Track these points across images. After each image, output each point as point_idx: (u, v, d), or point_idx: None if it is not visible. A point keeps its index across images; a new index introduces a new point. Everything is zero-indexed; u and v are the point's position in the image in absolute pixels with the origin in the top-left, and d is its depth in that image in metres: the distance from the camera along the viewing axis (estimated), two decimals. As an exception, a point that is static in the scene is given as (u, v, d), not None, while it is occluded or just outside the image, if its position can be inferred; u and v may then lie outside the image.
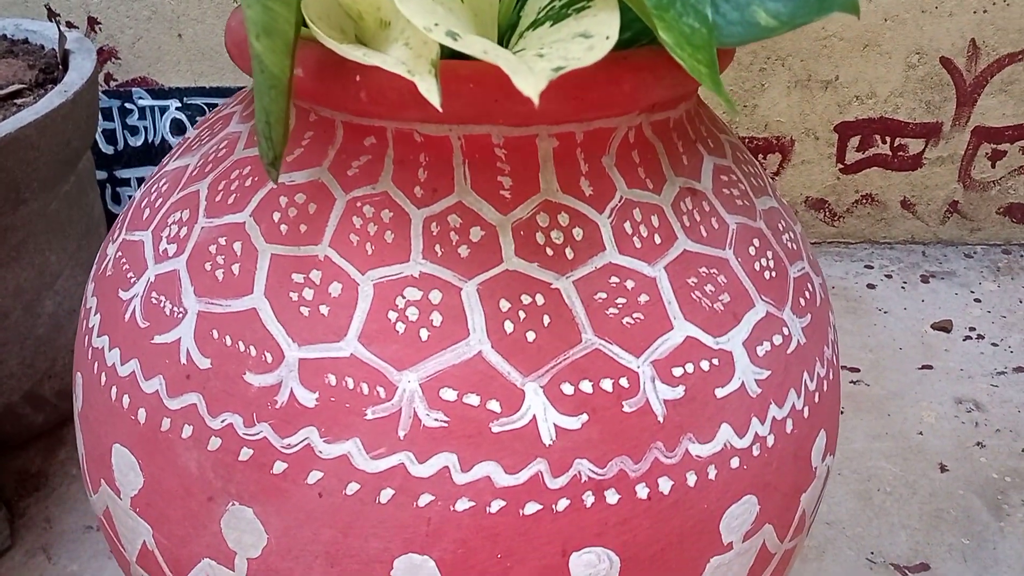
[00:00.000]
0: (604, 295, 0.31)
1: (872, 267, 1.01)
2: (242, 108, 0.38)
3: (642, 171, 0.33)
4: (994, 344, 0.90)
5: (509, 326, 0.30)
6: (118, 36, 0.93)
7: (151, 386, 0.33)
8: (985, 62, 0.91)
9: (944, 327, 0.92)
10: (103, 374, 0.35)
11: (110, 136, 0.96)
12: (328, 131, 0.33)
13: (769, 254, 0.36)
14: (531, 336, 0.31)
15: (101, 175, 0.95)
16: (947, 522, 0.71)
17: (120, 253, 0.37)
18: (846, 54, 0.91)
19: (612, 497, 0.31)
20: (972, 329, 0.92)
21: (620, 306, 0.31)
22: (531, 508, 0.30)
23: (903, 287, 0.98)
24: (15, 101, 0.69)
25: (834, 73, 0.92)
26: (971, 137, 0.96)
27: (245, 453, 0.31)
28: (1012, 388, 0.84)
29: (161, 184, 0.38)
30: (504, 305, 0.31)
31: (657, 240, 0.33)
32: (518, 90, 0.23)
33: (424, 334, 0.30)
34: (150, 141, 0.95)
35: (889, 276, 1.00)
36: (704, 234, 0.34)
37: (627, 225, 0.32)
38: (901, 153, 0.97)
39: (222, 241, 0.33)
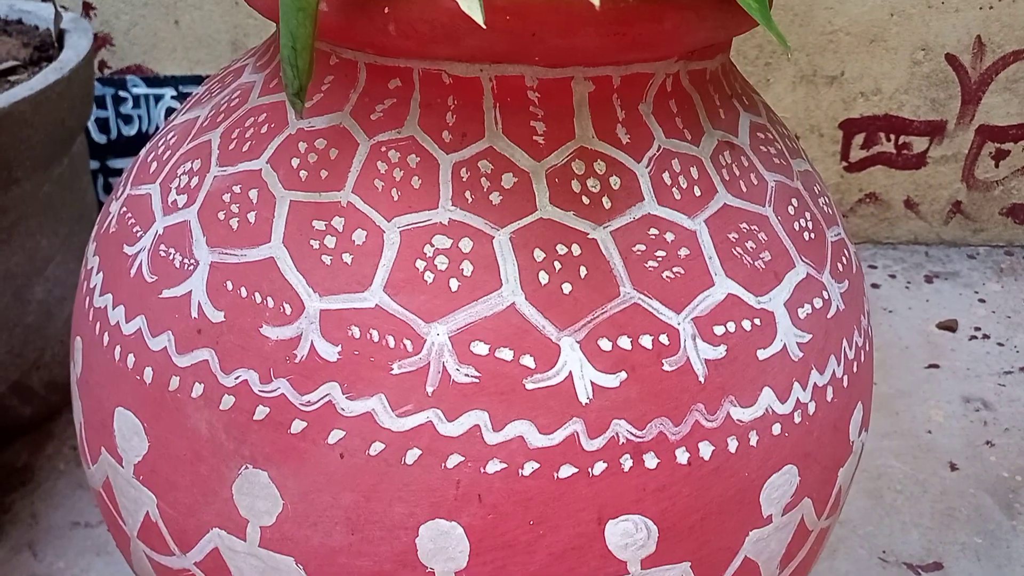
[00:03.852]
0: (643, 247, 0.30)
1: (876, 267, 1.00)
2: (255, 59, 0.36)
3: (680, 121, 0.32)
4: (1000, 344, 0.89)
5: (544, 277, 0.29)
6: (113, 22, 0.91)
7: (159, 343, 0.31)
8: (990, 59, 0.91)
9: (950, 327, 0.91)
10: (106, 334, 0.33)
11: (103, 125, 0.94)
12: (350, 74, 0.31)
13: (807, 215, 0.35)
14: (567, 288, 0.29)
15: (94, 165, 0.93)
16: (959, 521, 0.70)
17: (125, 208, 0.35)
18: (852, 49, 0.90)
19: (651, 461, 0.29)
20: (978, 329, 0.91)
21: (660, 259, 0.30)
22: (566, 471, 0.28)
23: (907, 287, 0.97)
24: (9, 78, 0.67)
25: (840, 68, 0.91)
26: (975, 136, 0.95)
27: (261, 412, 0.29)
28: (1020, 387, 0.83)
29: (169, 137, 0.36)
30: (539, 255, 0.29)
31: (697, 192, 0.31)
32: (556, 24, 0.22)
33: (454, 284, 0.28)
34: (144, 131, 0.92)
35: (893, 276, 0.99)
36: (744, 189, 0.32)
37: (666, 176, 0.31)
38: (905, 151, 0.96)
39: (236, 189, 0.31)
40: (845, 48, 0.91)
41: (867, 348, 0.37)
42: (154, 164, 0.35)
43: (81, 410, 0.35)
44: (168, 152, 0.35)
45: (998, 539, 0.68)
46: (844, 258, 0.37)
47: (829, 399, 0.33)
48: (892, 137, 0.96)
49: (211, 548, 0.31)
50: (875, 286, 0.97)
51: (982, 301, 0.95)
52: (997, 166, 0.97)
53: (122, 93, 0.92)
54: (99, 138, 0.94)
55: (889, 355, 0.87)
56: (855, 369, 0.35)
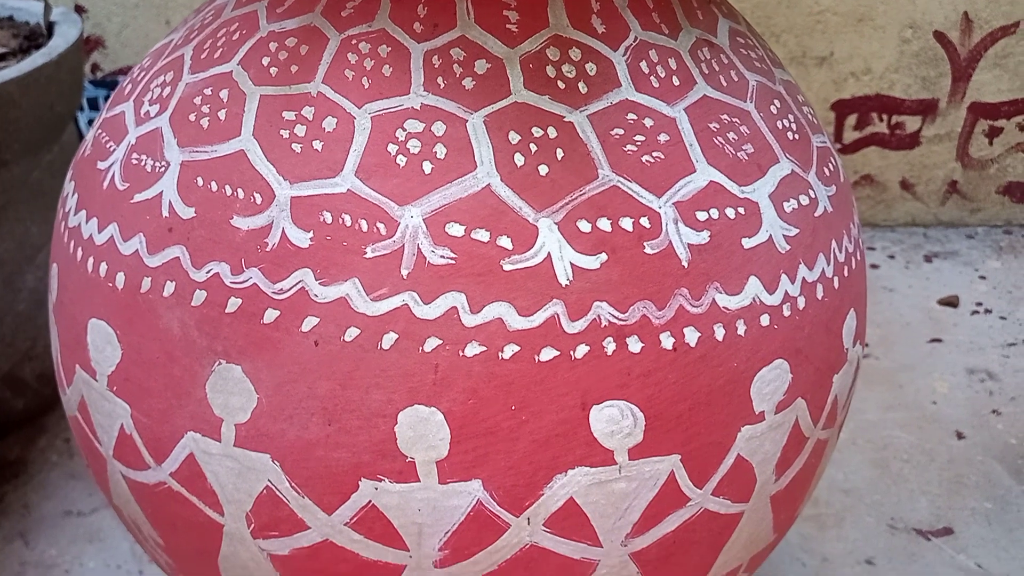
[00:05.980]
0: (621, 131, 0.29)
1: (874, 248, 0.99)
2: (230, -17, 0.36)
3: (656, 16, 0.31)
4: (1002, 317, 0.88)
5: (520, 159, 0.28)
6: (105, 24, 0.91)
7: (130, 247, 0.30)
8: (979, 35, 0.91)
9: (951, 302, 0.90)
10: (79, 249, 0.32)
11: (96, 126, 0.94)
12: (322, -26, 0.31)
13: (791, 117, 0.34)
14: (544, 170, 0.28)
15: (86, 165, 0.93)
16: (968, 487, 0.68)
17: (100, 131, 0.35)
18: (840, 29, 0.91)
19: (635, 345, 0.28)
20: (979, 304, 0.90)
21: (639, 143, 0.29)
22: (547, 354, 0.27)
23: (907, 267, 0.96)
24: (-3, 65, 0.67)
25: (829, 49, 0.92)
26: (967, 113, 0.95)
27: (233, 304, 0.28)
28: (1024, 358, 0.82)
29: (144, 63, 0.36)
30: (514, 137, 0.28)
31: (675, 82, 0.31)
32: None
33: (427, 167, 0.28)
34: (137, 131, 0.93)
35: (892, 257, 0.98)
36: (724, 83, 0.32)
37: (643, 64, 0.30)
38: (899, 131, 0.96)
39: (207, 91, 0.31)
40: (833, 28, 0.91)
41: (858, 256, 0.36)
42: (128, 87, 0.35)
43: (57, 335, 0.35)
44: (142, 73, 0.35)
45: (1008, 503, 0.67)
46: (831, 165, 0.36)
47: (820, 297, 0.32)
48: (885, 117, 0.96)
49: (186, 455, 0.30)
50: (874, 266, 0.96)
51: (983, 278, 0.95)
52: (991, 143, 0.97)
53: (115, 94, 0.93)
54: (92, 139, 0.94)
55: (890, 331, 0.86)
56: (846, 273, 0.34)
